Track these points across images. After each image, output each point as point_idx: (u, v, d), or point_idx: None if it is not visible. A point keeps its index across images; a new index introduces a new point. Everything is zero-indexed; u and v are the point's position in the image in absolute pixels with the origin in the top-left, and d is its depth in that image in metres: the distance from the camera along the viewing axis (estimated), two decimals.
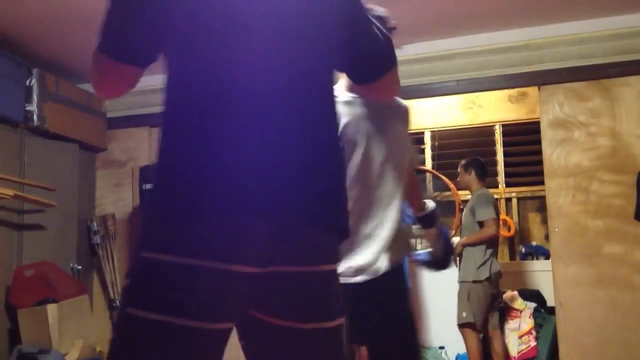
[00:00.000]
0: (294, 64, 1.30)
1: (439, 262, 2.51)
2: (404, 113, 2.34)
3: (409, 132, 2.38)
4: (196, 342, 1.20)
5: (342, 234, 1.37)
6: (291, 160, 1.25)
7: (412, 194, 2.41)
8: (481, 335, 4.64)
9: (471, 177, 4.79)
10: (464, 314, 4.51)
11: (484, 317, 4.54)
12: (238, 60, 1.26)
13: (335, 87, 2.02)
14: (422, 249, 4.16)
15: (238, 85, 1.25)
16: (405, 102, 2.39)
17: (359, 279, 2.11)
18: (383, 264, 2.14)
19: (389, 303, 2.21)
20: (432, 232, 2.45)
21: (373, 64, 1.54)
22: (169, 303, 1.19)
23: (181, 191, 1.22)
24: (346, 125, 2.15)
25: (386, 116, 2.26)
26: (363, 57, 1.51)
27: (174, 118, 1.28)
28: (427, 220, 2.46)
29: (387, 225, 2.18)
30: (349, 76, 1.58)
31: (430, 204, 2.45)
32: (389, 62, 1.56)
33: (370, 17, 1.51)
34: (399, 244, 2.23)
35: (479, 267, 4.43)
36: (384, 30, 1.54)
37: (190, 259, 1.19)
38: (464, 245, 4.55)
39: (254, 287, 1.23)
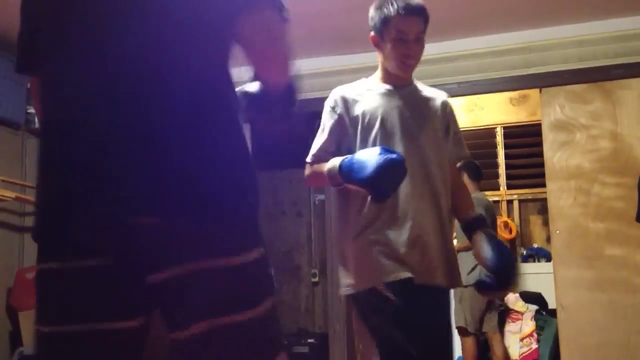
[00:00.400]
0: (143, 47, 1.17)
1: (492, 282, 2.09)
2: (442, 105, 2.22)
3: (454, 125, 2.25)
4: (87, 346, 1.15)
5: (237, 223, 1.20)
6: (138, 150, 1.13)
7: (456, 195, 2.22)
8: (482, 338, 4.64)
9: (464, 180, 4.77)
10: (455, 318, 4.54)
11: (477, 321, 4.54)
12: (80, 53, 1.19)
13: (372, 78, 2.09)
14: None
15: (80, 81, 1.18)
16: (444, 94, 2.29)
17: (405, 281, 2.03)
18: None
19: (429, 317, 2.07)
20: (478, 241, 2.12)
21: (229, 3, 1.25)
22: (50, 312, 1.18)
23: (42, 197, 1.21)
24: (384, 118, 2.11)
25: (423, 108, 2.18)
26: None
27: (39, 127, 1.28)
28: (471, 228, 2.18)
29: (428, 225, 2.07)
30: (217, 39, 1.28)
31: (477, 210, 2.22)
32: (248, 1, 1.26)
33: None
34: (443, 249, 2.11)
35: (469, 272, 4.41)
36: None
37: (51, 263, 1.17)
38: (458, 251, 4.54)
39: (144, 283, 1.15)
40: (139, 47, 1.16)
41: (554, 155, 4.12)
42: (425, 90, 2.27)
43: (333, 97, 2.23)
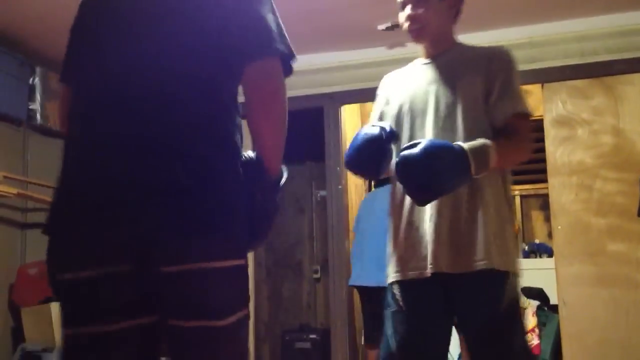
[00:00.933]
0: (141, 62, 1.36)
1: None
2: (486, 62, 1.98)
3: (502, 78, 1.95)
4: (114, 343, 1.32)
5: (225, 238, 1.34)
6: (134, 162, 1.31)
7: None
8: None
9: None
10: None
11: None
12: (97, 67, 1.41)
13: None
14: None
15: (91, 93, 1.40)
16: (496, 48, 2.09)
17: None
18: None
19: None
20: None
21: (238, 46, 1.39)
22: (71, 316, 1.36)
23: (64, 200, 1.40)
24: (413, 102, 2.03)
25: (460, 76, 1.99)
26: (231, 38, 1.39)
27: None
28: None
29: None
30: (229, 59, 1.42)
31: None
32: (255, 48, 1.40)
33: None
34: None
35: None
36: (269, 17, 1.42)
37: (64, 274, 1.34)
38: None
39: (138, 286, 1.33)
40: (149, 76, 1.35)
41: (555, 151, 4.11)
42: (472, 51, 2.08)
43: (379, 89, 2.21)
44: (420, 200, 1.84)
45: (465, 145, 1.78)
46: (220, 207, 1.32)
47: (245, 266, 1.40)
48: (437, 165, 1.73)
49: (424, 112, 2.00)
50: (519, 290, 1.99)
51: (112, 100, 1.36)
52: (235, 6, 1.40)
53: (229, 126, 1.40)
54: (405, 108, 2.04)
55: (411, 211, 1.99)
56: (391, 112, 2.10)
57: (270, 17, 1.42)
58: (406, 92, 2.07)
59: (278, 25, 1.43)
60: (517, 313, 1.97)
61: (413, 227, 1.98)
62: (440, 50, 2.08)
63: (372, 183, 4.85)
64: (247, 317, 1.40)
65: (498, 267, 1.90)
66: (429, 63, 2.08)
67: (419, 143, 1.78)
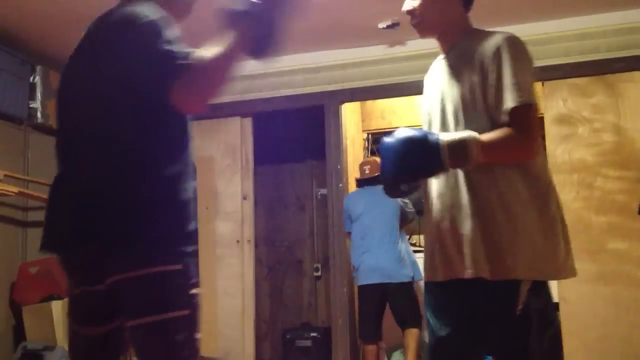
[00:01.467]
0: (80, 107, 1.72)
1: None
2: (484, 56, 1.83)
3: (496, 72, 1.80)
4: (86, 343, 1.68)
5: (138, 251, 1.56)
6: (73, 194, 1.73)
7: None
8: None
9: None
10: None
11: None
12: (60, 114, 1.85)
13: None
14: None
15: (60, 130, 1.89)
16: (498, 36, 1.90)
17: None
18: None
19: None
20: None
21: (152, 76, 1.53)
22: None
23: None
24: (429, 112, 1.99)
25: (464, 72, 1.87)
26: (143, 72, 1.54)
27: None
28: None
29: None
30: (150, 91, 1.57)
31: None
32: (165, 75, 1.50)
33: (147, 34, 1.54)
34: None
35: None
36: (162, 43, 1.51)
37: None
38: None
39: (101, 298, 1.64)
40: (80, 113, 1.74)
41: (556, 149, 4.11)
42: (476, 43, 1.89)
43: None
44: (386, 190, 1.87)
45: (444, 138, 1.73)
46: (129, 230, 1.56)
47: (165, 272, 1.55)
48: (399, 156, 1.74)
49: (436, 113, 1.95)
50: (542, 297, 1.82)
51: (61, 131, 1.88)
52: (131, 50, 1.56)
53: (131, 149, 1.60)
54: (427, 108, 2.02)
55: (434, 213, 1.92)
56: (424, 111, 2.07)
57: (155, 46, 1.52)
58: (428, 92, 2.04)
59: (162, 45, 1.51)
60: (532, 322, 1.78)
61: (436, 229, 1.92)
62: (451, 45, 1.97)
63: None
64: (178, 319, 1.55)
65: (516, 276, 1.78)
66: (442, 59, 2.01)
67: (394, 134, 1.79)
